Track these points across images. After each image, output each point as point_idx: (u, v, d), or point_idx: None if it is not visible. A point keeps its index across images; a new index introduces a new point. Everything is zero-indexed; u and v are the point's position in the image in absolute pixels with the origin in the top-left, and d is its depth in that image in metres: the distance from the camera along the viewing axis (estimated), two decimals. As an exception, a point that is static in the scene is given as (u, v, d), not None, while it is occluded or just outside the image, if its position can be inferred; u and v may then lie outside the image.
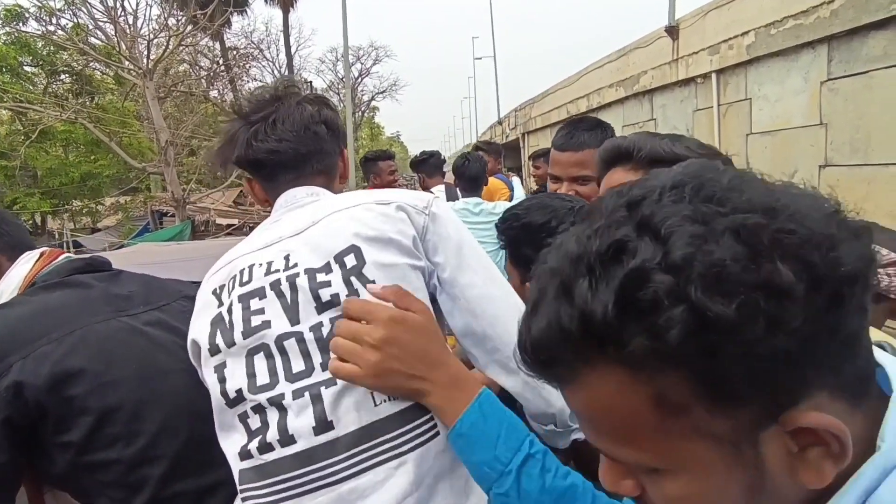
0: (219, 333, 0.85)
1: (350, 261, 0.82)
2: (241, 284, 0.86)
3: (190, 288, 1.16)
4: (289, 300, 0.82)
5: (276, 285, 0.84)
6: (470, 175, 3.09)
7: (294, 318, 0.81)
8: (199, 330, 0.88)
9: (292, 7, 24.45)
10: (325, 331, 0.80)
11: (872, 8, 4.03)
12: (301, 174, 0.98)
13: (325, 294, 0.81)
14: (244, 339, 0.82)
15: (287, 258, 0.86)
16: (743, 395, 0.37)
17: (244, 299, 0.85)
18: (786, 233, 0.36)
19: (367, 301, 0.78)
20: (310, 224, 0.88)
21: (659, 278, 0.35)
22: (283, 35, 24.31)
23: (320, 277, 0.82)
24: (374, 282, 0.80)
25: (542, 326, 0.40)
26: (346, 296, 0.80)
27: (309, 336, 0.80)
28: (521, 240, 1.23)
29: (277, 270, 0.85)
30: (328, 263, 0.83)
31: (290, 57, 24.55)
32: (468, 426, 0.73)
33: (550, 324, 0.39)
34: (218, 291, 0.89)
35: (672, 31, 7.08)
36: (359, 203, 0.89)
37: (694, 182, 0.39)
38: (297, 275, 0.83)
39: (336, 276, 0.82)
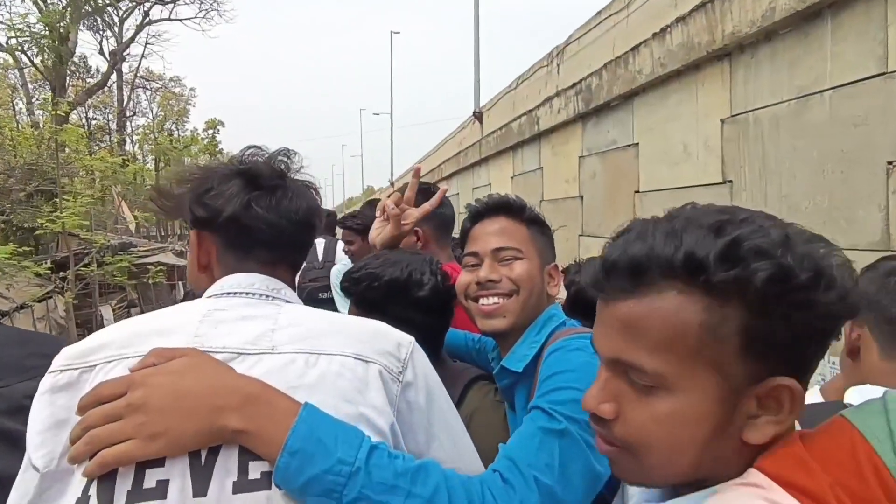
0: (94, 484, 0.63)
1: None
2: None
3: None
4: (202, 459, 0.65)
5: None
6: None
7: (199, 489, 0.63)
8: (59, 441, 0.67)
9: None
10: None
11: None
12: (276, 259, 0.86)
13: (255, 469, 0.65)
14: None
15: None
16: (769, 349, 0.51)
17: None
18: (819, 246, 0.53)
19: (119, 376, 0.67)
20: (266, 349, 0.72)
21: (757, 241, 0.50)
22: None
23: None
24: None
25: (643, 250, 0.53)
26: None
27: None
28: (385, 299, 1.14)
29: None
30: None
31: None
32: (301, 439, 0.64)
33: (652, 249, 0.53)
34: None
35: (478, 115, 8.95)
36: (331, 352, 0.73)
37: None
38: None
39: None
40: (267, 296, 0.82)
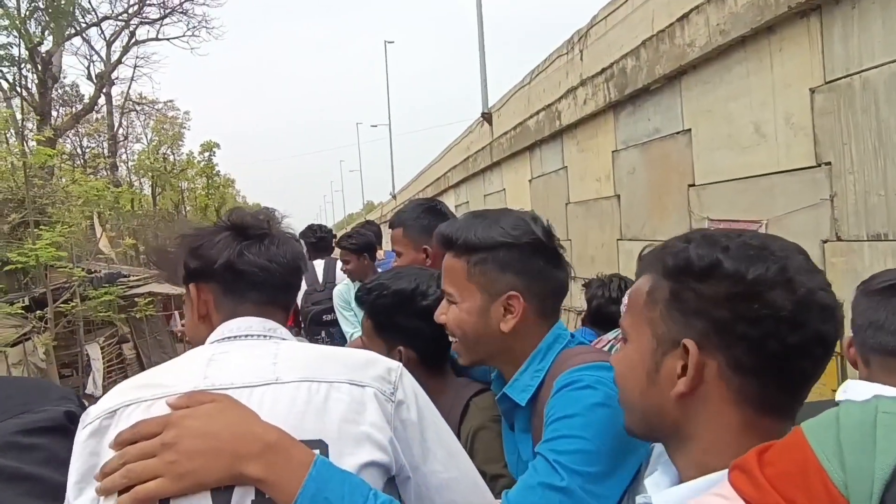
0: None
1: None
2: None
3: (54, 399, 0.86)
4: (222, 487, 0.71)
5: None
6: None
7: None
8: (88, 492, 0.73)
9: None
10: None
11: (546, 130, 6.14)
12: (269, 301, 0.93)
13: None
14: None
15: None
16: (683, 315, 0.65)
17: None
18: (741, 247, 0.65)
19: (157, 416, 0.73)
20: (271, 380, 0.79)
21: (689, 236, 0.69)
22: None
23: None
24: None
25: (647, 253, 0.75)
26: None
27: None
28: (393, 308, 1.24)
29: None
30: None
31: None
32: (311, 496, 0.69)
33: (655, 250, 0.73)
34: None
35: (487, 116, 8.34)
36: (331, 380, 0.81)
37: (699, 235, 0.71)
38: None
39: None
40: (264, 335, 0.89)
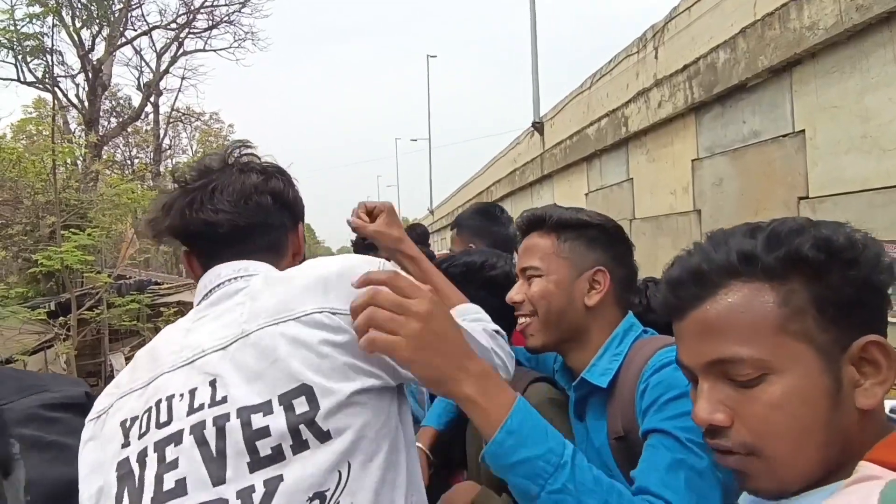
0: (126, 496, 0.67)
1: (300, 405, 0.66)
2: (159, 426, 0.69)
3: (69, 384, 0.88)
4: (213, 450, 0.65)
5: (197, 429, 0.67)
6: None
7: (218, 476, 0.64)
8: (96, 481, 0.70)
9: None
10: (258, 498, 0.62)
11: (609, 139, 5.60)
12: (242, 250, 0.86)
13: (263, 446, 0.65)
14: None
15: (213, 386, 0.69)
16: (840, 311, 0.55)
17: (160, 447, 0.68)
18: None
19: (412, 284, 0.73)
20: (239, 335, 0.72)
21: (789, 226, 0.59)
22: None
23: (257, 421, 0.65)
24: (328, 433, 0.65)
25: (699, 261, 0.61)
26: (291, 446, 0.64)
27: None
28: (462, 277, 1.26)
29: (202, 406, 0.68)
30: (269, 402, 0.66)
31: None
32: (519, 422, 0.73)
33: (707, 257, 0.60)
34: (128, 426, 0.71)
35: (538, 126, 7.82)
36: (302, 312, 0.71)
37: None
38: (228, 416, 0.66)
39: (279, 421, 0.65)
40: (235, 278, 0.81)
